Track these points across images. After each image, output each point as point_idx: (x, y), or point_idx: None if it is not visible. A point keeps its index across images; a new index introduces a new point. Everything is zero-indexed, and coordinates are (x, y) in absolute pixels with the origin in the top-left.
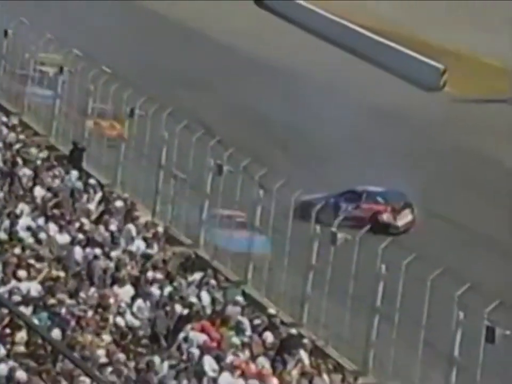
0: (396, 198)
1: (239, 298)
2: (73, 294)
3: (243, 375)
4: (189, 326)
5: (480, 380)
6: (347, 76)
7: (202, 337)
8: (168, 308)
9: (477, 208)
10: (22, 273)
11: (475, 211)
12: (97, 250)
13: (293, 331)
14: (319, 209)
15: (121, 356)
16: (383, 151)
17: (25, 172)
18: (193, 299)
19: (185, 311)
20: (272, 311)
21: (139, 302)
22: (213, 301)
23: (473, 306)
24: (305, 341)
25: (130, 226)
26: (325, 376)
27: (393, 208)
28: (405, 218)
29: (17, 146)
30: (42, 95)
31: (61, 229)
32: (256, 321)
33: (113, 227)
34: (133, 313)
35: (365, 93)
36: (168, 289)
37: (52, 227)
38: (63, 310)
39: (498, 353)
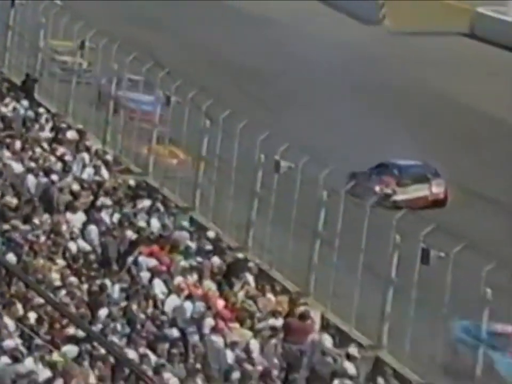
0: (417, 173)
1: (187, 224)
2: (27, 220)
3: (190, 297)
4: (138, 251)
5: (415, 299)
6: (307, 18)
7: (151, 261)
8: (118, 233)
9: (425, 141)
10: None
11: (423, 145)
12: (50, 178)
13: (239, 255)
14: (356, 182)
15: (74, 279)
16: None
17: None
18: (143, 224)
19: (135, 237)
20: (218, 236)
21: (90, 227)
22: (163, 226)
23: (410, 230)
24: (251, 264)
25: (82, 155)
26: (270, 296)
27: (398, 182)
28: (410, 193)
29: None
30: (139, 100)
31: (15, 156)
32: (203, 246)
33: (65, 156)
34: (84, 239)
35: (323, 30)
36: (118, 215)
37: (6, 154)
38: (17, 235)
39: (433, 274)
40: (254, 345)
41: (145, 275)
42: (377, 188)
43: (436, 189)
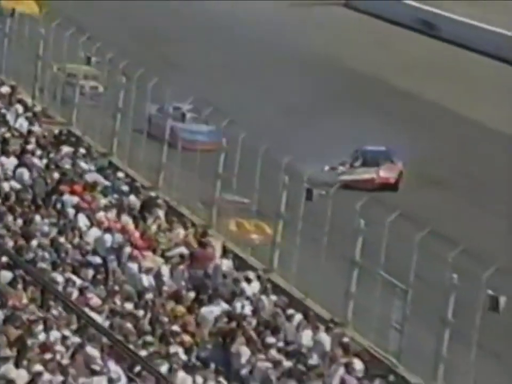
0: (371, 156)
1: (106, 167)
2: None
3: (109, 229)
4: (64, 190)
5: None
6: None
7: (75, 199)
8: (46, 175)
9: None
10: None
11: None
12: None
13: (151, 194)
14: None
15: (10, 217)
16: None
17: None
18: (68, 167)
19: (61, 178)
20: (133, 177)
21: (21, 170)
22: (85, 169)
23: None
24: (161, 201)
25: (15, 107)
26: (179, 228)
27: (351, 164)
28: (358, 175)
29: None
30: (197, 131)
31: None
32: (121, 186)
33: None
34: (16, 179)
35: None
36: (45, 160)
37: None
38: None
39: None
40: (165, 270)
41: (70, 211)
42: (326, 168)
43: (384, 173)
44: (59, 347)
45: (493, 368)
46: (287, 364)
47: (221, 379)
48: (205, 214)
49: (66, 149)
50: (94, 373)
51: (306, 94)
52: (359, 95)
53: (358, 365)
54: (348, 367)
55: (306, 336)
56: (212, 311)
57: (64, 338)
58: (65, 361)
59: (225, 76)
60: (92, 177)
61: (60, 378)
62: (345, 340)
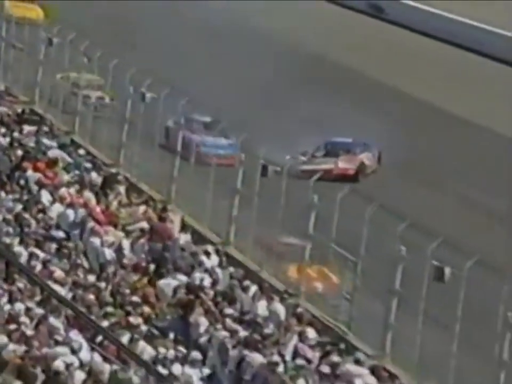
0: (333, 147)
1: (68, 144)
2: None
3: (72, 205)
4: (27, 167)
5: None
6: None
7: (38, 175)
8: (10, 152)
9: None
10: None
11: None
12: None
13: (112, 170)
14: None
15: None
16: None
17: None
18: (31, 145)
19: (24, 155)
20: (94, 153)
21: None
22: (47, 146)
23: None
24: (121, 178)
25: None
26: (139, 204)
27: (313, 155)
28: (316, 165)
29: None
30: (216, 144)
31: None
32: (82, 163)
33: None
34: None
35: None
36: (9, 138)
37: None
38: None
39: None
40: (126, 244)
41: (33, 187)
42: (287, 157)
43: (343, 164)
44: (23, 318)
45: (438, 336)
46: (244, 333)
47: (180, 348)
48: (163, 190)
49: (29, 128)
50: (57, 343)
51: (266, 76)
52: (309, 75)
53: (311, 333)
54: (301, 336)
55: (262, 307)
56: (171, 283)
57: (28, 310)
58: (29, 332)
59: (187, 59)
60: (54, 153)
61: (23, 348)
62: (299, 310)
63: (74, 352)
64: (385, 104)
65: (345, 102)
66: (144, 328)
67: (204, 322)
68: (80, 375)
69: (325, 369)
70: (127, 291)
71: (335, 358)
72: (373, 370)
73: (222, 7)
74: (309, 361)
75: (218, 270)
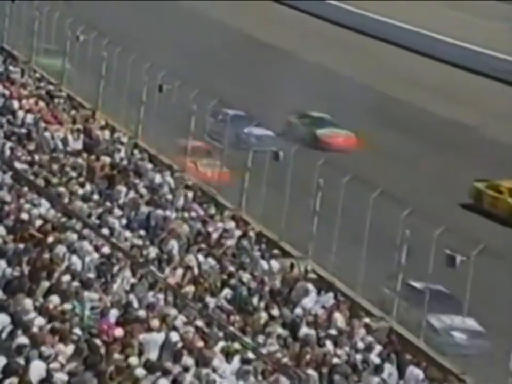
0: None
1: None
2: None
3: (31, 111)
4: None
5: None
6: None
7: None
8: None
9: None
10: None
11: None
12: None
13: (54, 88)
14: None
15: None
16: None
17: None
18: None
19: None
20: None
21: None
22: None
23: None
24: (64, 94)
25: None
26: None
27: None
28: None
29: None
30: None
31: None
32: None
33: None
34: None
35: None
36: None
37: None
38: None
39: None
40: (70, 137)
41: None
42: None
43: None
44: None
45: (355, 252)
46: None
47: None
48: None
49: None
50: None
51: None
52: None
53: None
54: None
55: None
56: None
57: None
58: None
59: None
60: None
61: None
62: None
63: None
64: None
65: None
66: None
67: None
68: None
69: None
70: (74, 174)
71: None
72: None
73: None
74: None
75: None
